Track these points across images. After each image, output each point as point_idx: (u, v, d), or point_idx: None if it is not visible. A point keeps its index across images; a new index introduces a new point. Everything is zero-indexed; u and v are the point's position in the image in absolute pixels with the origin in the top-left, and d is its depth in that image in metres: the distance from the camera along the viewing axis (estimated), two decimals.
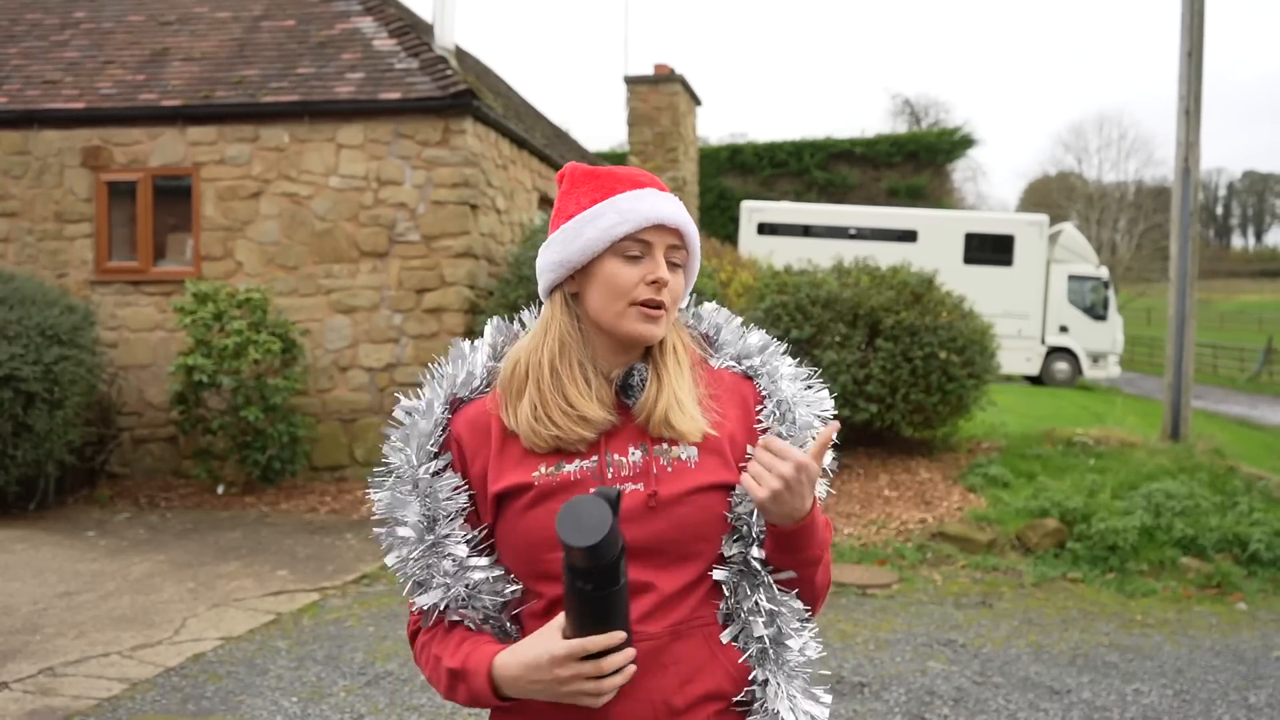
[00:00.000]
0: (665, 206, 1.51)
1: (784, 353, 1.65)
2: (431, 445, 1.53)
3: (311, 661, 5.14)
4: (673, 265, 1.53)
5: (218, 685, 4.82)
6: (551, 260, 1.54)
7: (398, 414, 1.57)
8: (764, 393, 1.58)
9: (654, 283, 1.49)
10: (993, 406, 9.90)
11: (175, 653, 5.24)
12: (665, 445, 1.50)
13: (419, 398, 1.58)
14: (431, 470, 1.52)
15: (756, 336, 1.65)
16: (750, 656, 1.49)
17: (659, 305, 1.50)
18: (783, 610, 1.50)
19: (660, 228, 1.51)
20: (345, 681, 4.87)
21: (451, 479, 1.52)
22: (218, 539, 7.74)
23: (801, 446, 1.52)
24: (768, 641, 1.48)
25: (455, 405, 1.57)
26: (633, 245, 1.50)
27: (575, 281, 1.54)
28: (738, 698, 1.49)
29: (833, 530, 1.56)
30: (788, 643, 1.49)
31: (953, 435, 9.98)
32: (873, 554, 7.37)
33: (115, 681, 4.82)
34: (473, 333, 9.47)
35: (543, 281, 1.57)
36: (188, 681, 4.86)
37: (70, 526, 8.14)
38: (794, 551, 1.48)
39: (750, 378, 1.61)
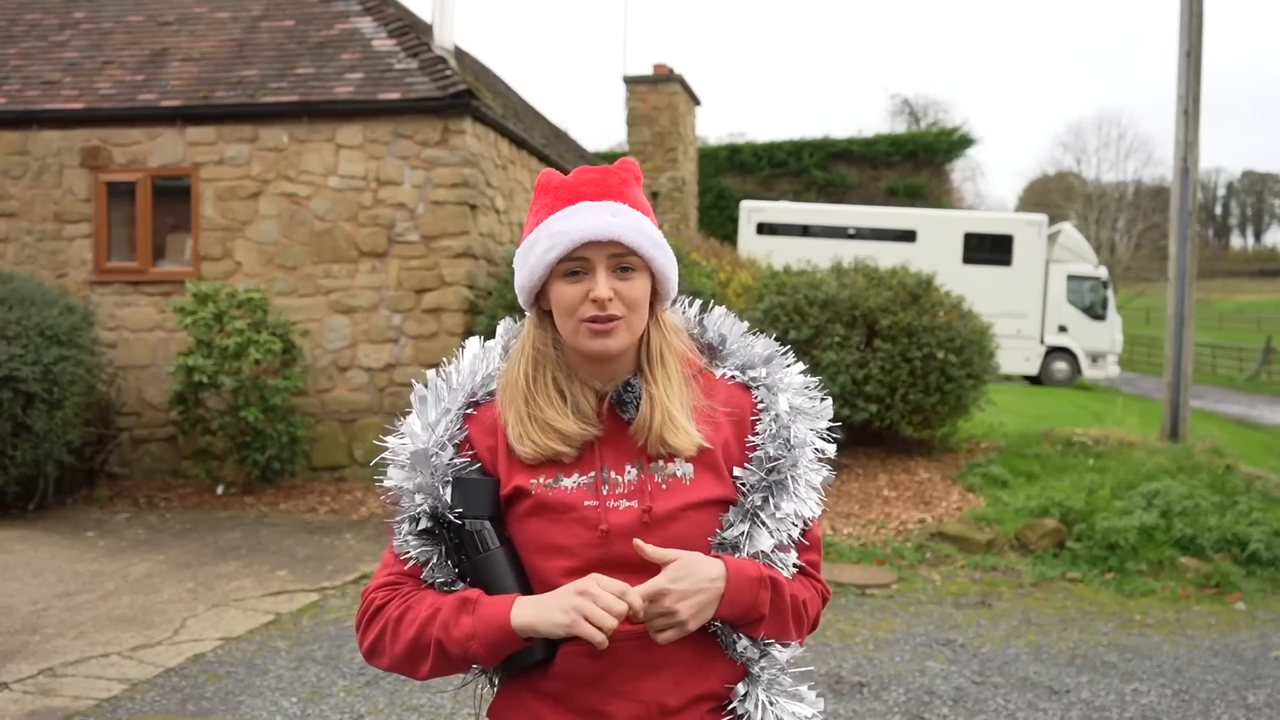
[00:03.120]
0: (592, 223, 1.48)
1: (792, 361, 1.63)
2: (452, 438, 1.54)
3: (311, 662, 5.15)
4: (625, 271, 1.50)
5: (217, 685, 4.82)
6: (517, 283, 1.56)
7: (417, 399, 1.58)
8: (760, 405, 1.57)
9: (595, 300, 1.48)
10: (991, 406, 9.90)
11: (175, 653, 5.24)
12: (661, 463, 1.51)
13: (438, 381, 1.59)
14: (447, 458, 1.53)
15: (763, 345, 1.63)
16: (742, 664, 1.52)
17: (606, 319, 1.48)
18: None
19: (594, 242, 1.48)
20: (345, 682, 4.87)
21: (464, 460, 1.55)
22: (217, 539, 7.74)
23: (793, 466, 1.53)
24: (749, 652, 1.51)
25: (472, 403, 1.59)
26: (570, 264, 1.49)
27: (545, 299, 1.55)
28: (726, 703, 1.51)
29: (804, 593, 1.54)
30: (770, 652, 1.52)
31: (952, 435, 9.98)
32: (872, 554, 7.38)
33: (115, 682, 4.82)
34: (471, 333, 9.48)
35: (519, 299, 1.58)
36: (187, 682, 4.86)
37: (69, 527, 8.14)
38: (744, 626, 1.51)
39: (750, 389, 1.59)
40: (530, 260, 1.52)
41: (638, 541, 1.43)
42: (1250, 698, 4.91)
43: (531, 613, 1.40)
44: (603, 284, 1.48)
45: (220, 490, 9.27)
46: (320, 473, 9.79)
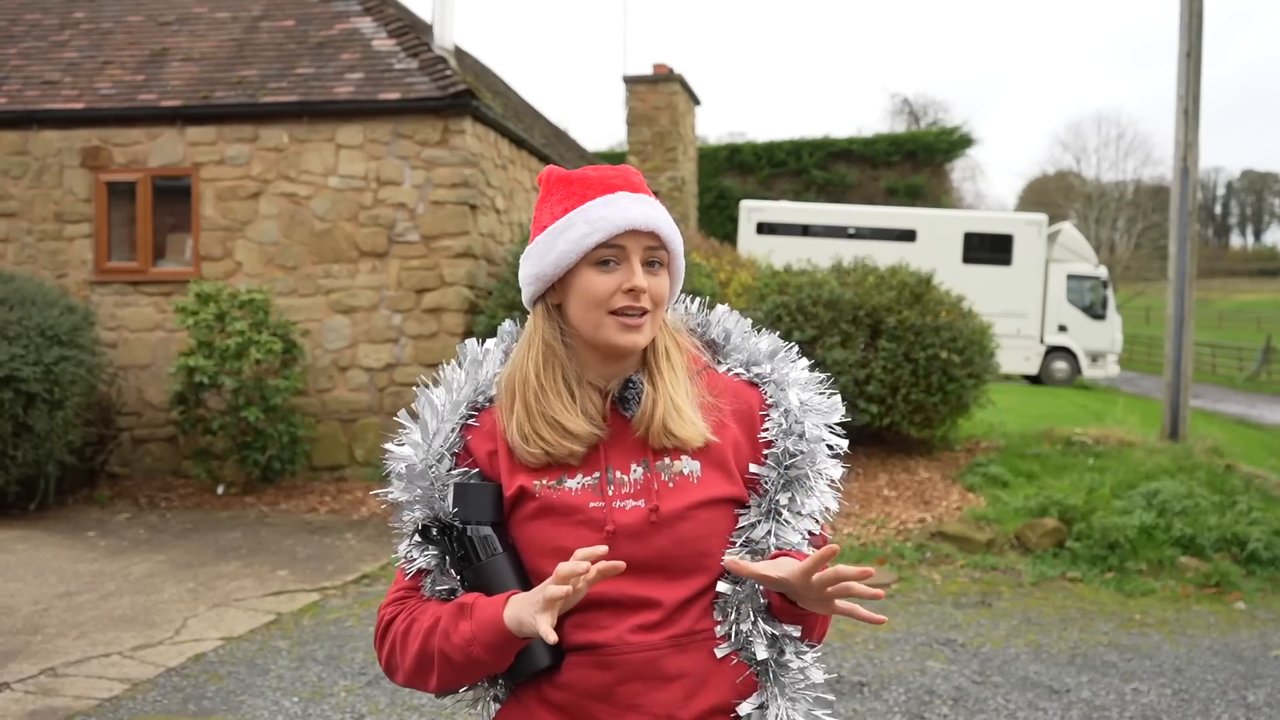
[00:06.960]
0: (636, 210, 1.46)
1: (797, 357, 1.61)
2: (450, 449, 1.52)
3: (312, 661, 5.15)
4: (653, 266, 1.48)
5: (218, 685, 4.82)
6: (529, 273, 1.51)
7: (418, 409, 1.55)
8: (770, 401, 1.55)
9: (630, 291, 1.45)
10: (992, 406, 9.91)
11: (176, 653, 5.25)
12: (667, 460, 1.48)
13: (437, 391, 1.56)
14: (446, 469, 1.51)
15: (767, 341, 1.61)
16: (754, 675, 1.48)
17: (639, 312, 1.46)
18: (784, 633, 1.49)
19: (634, 232, 1.46)
20: (346, 681, 4.88)
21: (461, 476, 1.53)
22: (218, 539, 7.75)
23: (812, 462, 1.52)
24: (771, 664, 1.47)
25: (472, 412, 1.56)
26: (606, 253, 1.46)
27: (556, 292, 1.51)
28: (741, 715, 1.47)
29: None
30: (790, 665, 1.48)
31: (952, 435, 9.99)
32: (872, 553, 7.38)
33: (116, 682, 4.83)
34: (471, 333, 9.51)
35: (525, 293, 1.54)
36: (188, 681, 4.87)
37: (70, 527, 8.15)
38: (802, 618, 1.48)
39: (756, 385, 1.57)
40: (560, 246, 1.46)
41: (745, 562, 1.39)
42: (1250, 697, 4.92)
43: (519, 603, 1.38)
44: (640, 274, 1.46)
45: (221, 490, 9.27)
46: (320, 473, 9.80)
